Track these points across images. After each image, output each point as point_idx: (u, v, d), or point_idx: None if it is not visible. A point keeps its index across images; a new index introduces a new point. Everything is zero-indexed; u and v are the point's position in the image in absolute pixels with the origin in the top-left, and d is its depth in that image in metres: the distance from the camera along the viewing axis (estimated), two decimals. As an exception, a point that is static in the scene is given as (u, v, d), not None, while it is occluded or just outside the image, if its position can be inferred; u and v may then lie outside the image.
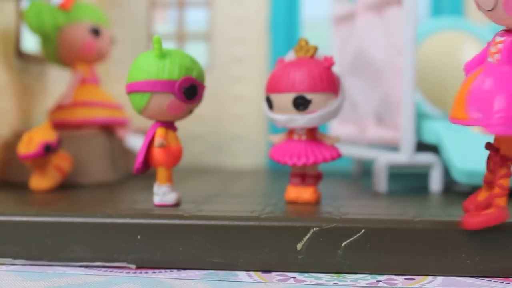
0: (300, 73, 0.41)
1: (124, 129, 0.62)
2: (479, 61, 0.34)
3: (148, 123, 0.42)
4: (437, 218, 0.37)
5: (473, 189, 0.38)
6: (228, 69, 0.82)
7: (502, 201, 0.33)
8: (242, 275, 0.36)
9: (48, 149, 0.50)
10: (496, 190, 0.33)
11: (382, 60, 0.58)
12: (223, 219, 0.37)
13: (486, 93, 0.30)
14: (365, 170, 0.72)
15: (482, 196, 0.34)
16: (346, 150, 0.60)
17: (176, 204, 0.42)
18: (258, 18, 0.82)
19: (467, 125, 0.32)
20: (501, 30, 0.32)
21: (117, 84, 0.78)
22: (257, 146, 0.82)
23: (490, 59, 0.32)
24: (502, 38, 0.32)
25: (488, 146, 0.34)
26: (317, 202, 0.43)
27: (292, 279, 0.35)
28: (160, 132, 0.40)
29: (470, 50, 0.58)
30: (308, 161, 0.41)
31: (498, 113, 0.29)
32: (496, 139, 0.34)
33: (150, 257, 0.37)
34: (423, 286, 0.33)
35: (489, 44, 0.33)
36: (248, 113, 0.82)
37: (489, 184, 0.34)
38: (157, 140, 0.40)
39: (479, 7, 0.32)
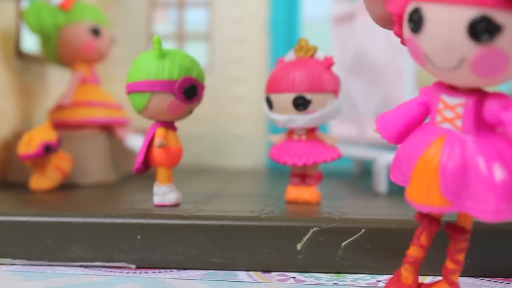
0: (300, 73, 0.41)
1: (124, 129, 0.62)
2: (409, 121, 0.28)
3: (148, 123, 0.42)
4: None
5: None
6: (228, 69, 0.82)
7: (456, 278, 0.29)
8: (242, 275, 0.36)
9: (48, 149, 0.50)
10: (451, 266, 0.28)
11: (382, 60, 0.58)
12: (223, 219, 0.37)
13: (469, 174, 0.25)
14: (365, 170, 0.72)
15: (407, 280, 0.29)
16: (346, 150, 0.60)
17: (176, 204, 0.42)
18: (258, 18, 0.82)
19: (449, 211, 0.26)
20: (446, 88, 0.27)
21: (117, 84, 0.78)
22: (257, 146, 0.82)
23: (447, 126, 0.26)
24: (459, 100, 0.26)
25: (421, 218, 0.29)
26: (317, 202, 0.43)
27: (292, 279, 0.35)
28: (160, 132, 0.40)
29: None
30: (308, 161, 0.41)
31: (496, 199, 0.24)
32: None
33: (150, 257, 0.37)
34: (423, 286, 0.33)
35: (423, 103, 0.28)
36: (248, 113, 0.82)
37: (414, 263, 0.29)
38: (157, 140, 0.40)
39: (424, 64, 0.26)
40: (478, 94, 0.26)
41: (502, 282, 0.34)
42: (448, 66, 0.25)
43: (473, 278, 0.35)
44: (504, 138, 0.25)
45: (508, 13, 0.23)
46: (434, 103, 0.27)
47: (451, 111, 0.26)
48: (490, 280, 0.35)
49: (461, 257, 0.28)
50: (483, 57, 0.24)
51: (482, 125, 0.26)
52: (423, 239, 0.29)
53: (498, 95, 0.26)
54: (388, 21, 0.28)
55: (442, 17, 0.24)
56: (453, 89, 0.27)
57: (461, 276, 0.35)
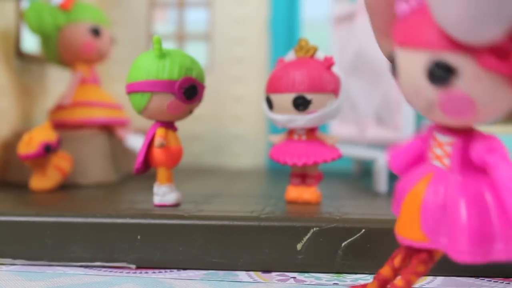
0: (300, 73, 0.41)
1: (124, 129, 0.62)
2: (413, 156, 0.29)
3: (148, 123, 0.42)
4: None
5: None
6: (228, 69, 0.82)
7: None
8: (242, 275, 0.36)
9: (48, 149, 0.50)
10: (400, 284, 0.28)
11: (382, 60, 0.58)
12: (223, 219, 0.37)
13: (449, 213, 0.25)
14: (365, 170, 0.72)
15: None
16: (346, 150, 0.60)
17: (176, 204, 0.42)
18: (258, 18, 0.82)
19: (424, 247, 0.26)
20: (440, 125, 0.27)
21: (117, 84, 0.78)
22: (257, 146, 0.82)
23: (436, 163, 0.27)
24: (448, 139, 0.26)
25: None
26: (317, 202, 0.43)
27: (292, 279, 0.35)
28: (160, 132, 0.40)
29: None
30: (308, 161, 0.41)
31: (469, 240, 0.24)
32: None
33: (150, 257, 0.37)
34: (423, 286, 0.33)
35: (424, 139, 0.28)
36: (248, 113, 0.82)
37: (382, 282, 0.29)
38: (157, 140, 0.40)
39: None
40: (467, 134, 0.26)
41: (502, 282, 0.34)
42: (421, 108, 0.25)
43: (473, 278, 0.35)
44: (489, 180, 0.25)
45: (462, 55, 0.22)
46: (429, 139, 0.27)
47: (440, 149, 0.26)
48: (490, 280, 0.35)
49: (413, 278, 0.28)
50: (447, 100, 0.23)
51: (469, 165, 0.25)
52: (397, 261, 0.29)
53: (485, 137, 0.25)
54: None
55: (406, 62, 0.24)
56: (445, 127, 0.26)
57: (461, 276, 0.35)
